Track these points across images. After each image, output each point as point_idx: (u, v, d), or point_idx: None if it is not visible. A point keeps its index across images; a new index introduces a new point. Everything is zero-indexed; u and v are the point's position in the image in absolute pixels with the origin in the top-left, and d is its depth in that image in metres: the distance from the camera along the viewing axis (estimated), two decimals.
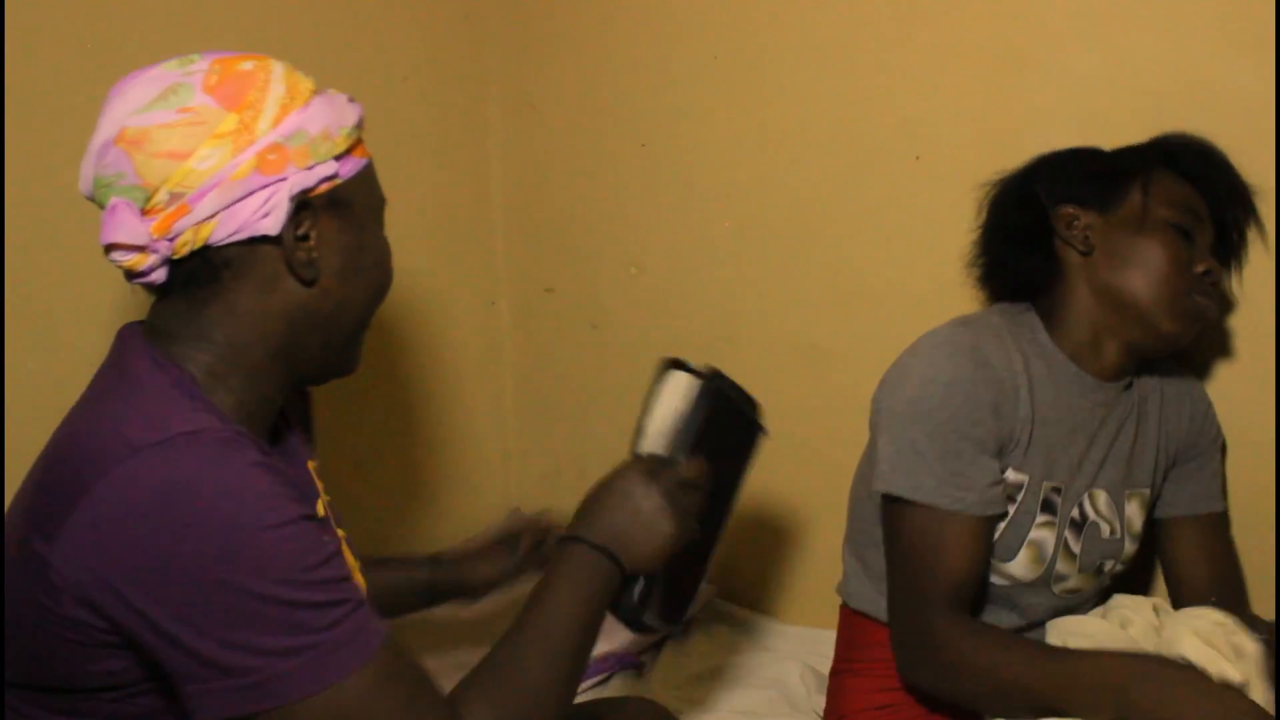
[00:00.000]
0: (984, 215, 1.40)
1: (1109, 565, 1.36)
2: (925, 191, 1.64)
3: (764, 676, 1.66)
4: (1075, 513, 1.32)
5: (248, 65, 0.94)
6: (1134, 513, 1.36)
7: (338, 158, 0.96)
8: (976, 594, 1.28)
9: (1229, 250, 1.37)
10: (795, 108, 1.75)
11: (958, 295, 1.50)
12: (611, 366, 2.11)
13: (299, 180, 0.93)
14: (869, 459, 1.42)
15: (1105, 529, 1.34)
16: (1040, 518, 1.30)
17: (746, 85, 1.81)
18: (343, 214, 0.98)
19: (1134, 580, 1.55)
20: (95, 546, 0.82)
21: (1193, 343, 1.34)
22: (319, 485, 1.10)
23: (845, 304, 1.76)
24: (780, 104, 1.77)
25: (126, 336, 0.99)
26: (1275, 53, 1.34)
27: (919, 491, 1.23)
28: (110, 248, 0.94)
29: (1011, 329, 1.31)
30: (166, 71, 0.93)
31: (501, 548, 1.45)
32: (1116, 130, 1.40)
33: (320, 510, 1.04)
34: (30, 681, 0.89)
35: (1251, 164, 1.36)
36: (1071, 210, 1.30)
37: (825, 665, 1.53)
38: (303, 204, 0.94)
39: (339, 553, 0.89)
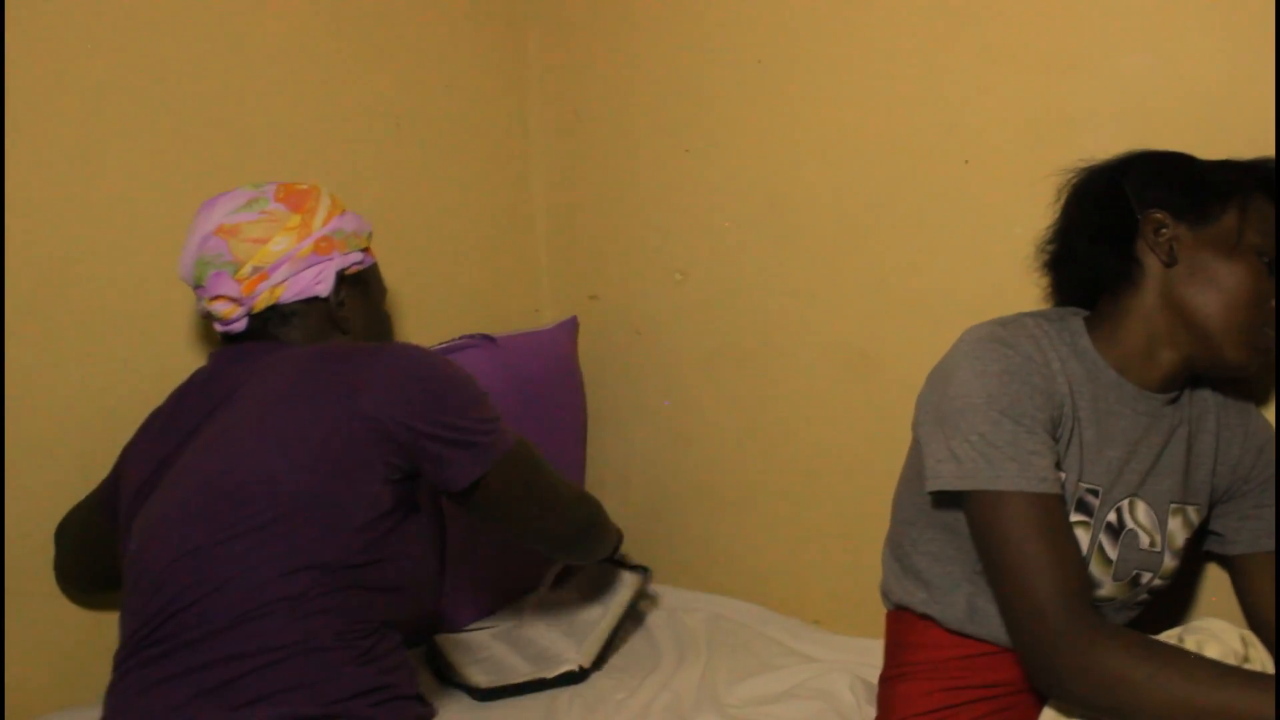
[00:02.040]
0: (1064, 201, 1.37)
1: (1146, 578, 1.33)
2: (974, 195, 1.62)
3: (812, 687, 1.64)
4: (1112, 518, 1.30)
5: (303, 186, 1.44)
6: (1177, 528, 1.34)
7: (362, 250, 1.48)
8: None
9: None
10: (840, 112, 1.74)
11: (1008, 300, 1.48)
12: (656, 373, 2.10)
13: (341, 261, 1.43)
14: (913, 461, 1.40)
15: (1144, 539, 1.31)
16: (1075, 516, 1.27)
17: (790, 89, 1.79)
18: (364, 290, 1.50)
19: (1175, 599, 1.53)
20: (397, 388, 1.26)
21: (1262, 375, 1.31)
22: None
23: (892, 310, 1.74)
24: (825, 108, 1.76)
25: (245, 350, 1.42)
26: None
27: (1002, 480, 1.19)
28: (215, 299, 1.38)
29: (1047, 333, 1.29)
30: (245, 191, 1.40)
31: None
32: (1169, 132, 1.38)
33: None
34: (317, 551, 1.22)
35: None
36: (1161, 217, 1.26)
37: (875, 675, 1.52)
38: (342, 278, 1.44)
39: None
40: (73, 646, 1.60)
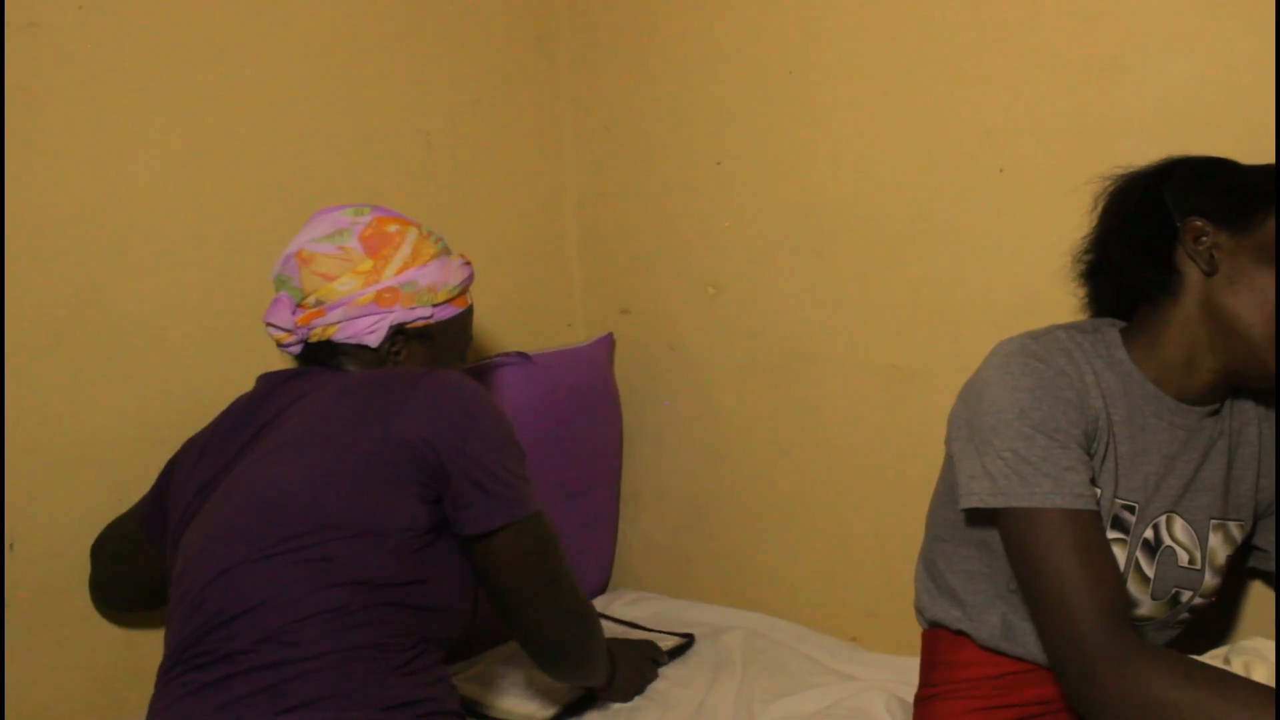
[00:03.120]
0: (1101, 209, 1.34)
1: (1186, 596, 1.29)
2: (1010, 205, 1.59)
3: (849, 706, 1.61)
4: (1149, 534, 1.27)
5: (393, 228, 1.43)
6: (1218, 544, 1.30)
7: (436, 305, 1.44)
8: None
9: None
10: (872, 122, 1.72)
11: (1044, 312, 1.45)
12: (689, 388, 2.09)
13: (401, 315, 1.41)
14: (947, 477, 1.38)
15: (1183, 556, 1.28)
16: (1111, 533, 1.24)
17: (821, 100, 1.78)
18: (426, 344, 1.46)
19: (1221, 617, 1.50)
20: (430, 412, 1.26)
21: None
22: None
23: (927, 323, 1.72)
24: (857, 118, 1.74)
25: (292, 373, 1.44)
26: None
27: (1036, 496, 1.16)
28: (269, 324, 1.41)
29: (1080, 345, 1.26)
30: (343, 216, 1.42)
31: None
32: (1209, 137, 1.35)
33: None
34: (359, 567, 1.23)
35: None
36: (1201, 225, 1.23)
37: (912, 694, 1.49)
38: (399, 330, 1.42)
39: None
40: (107, 666, 1.61)
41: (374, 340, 1.39)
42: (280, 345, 1.43)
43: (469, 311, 1.51)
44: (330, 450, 1.26)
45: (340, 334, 1.38)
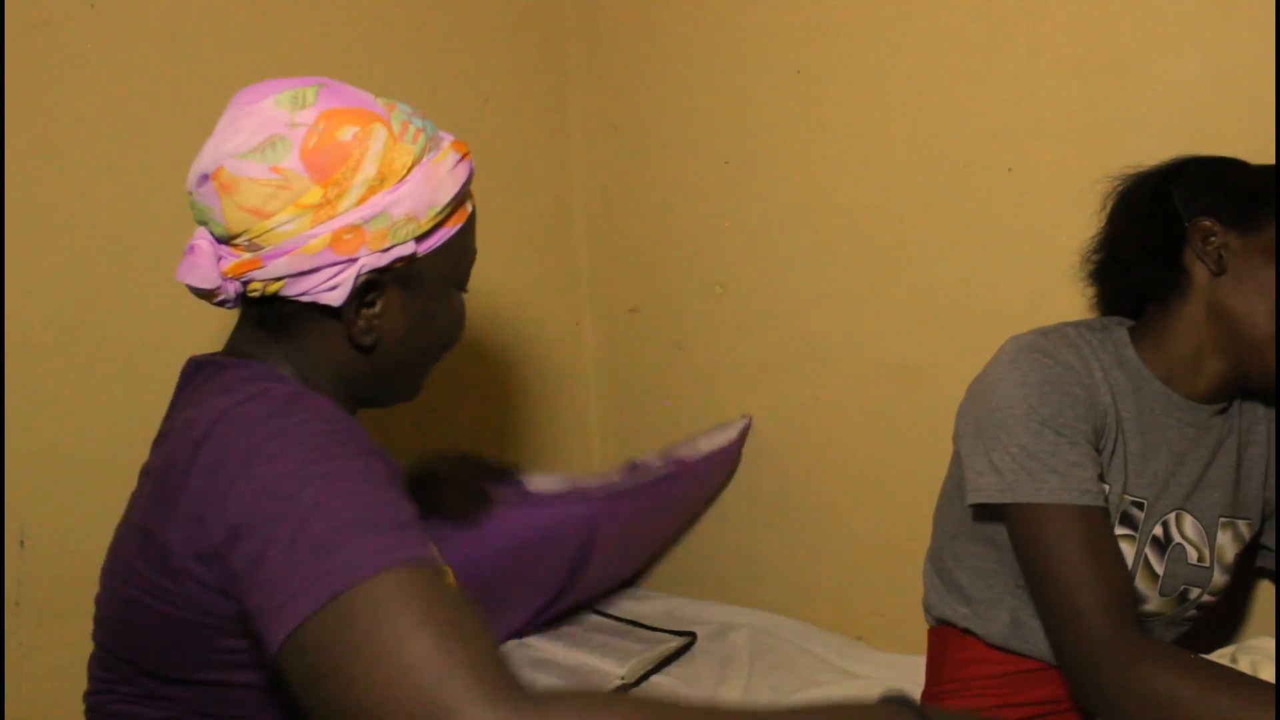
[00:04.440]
0: (1110, 209, 1.34)
1: (1195, 593, 1.30)
2: (1019, 204, 1.59)
3: None
4: (1159, 531, 1.27)
5: (348, 134, 0.95)
6: (1227, 542, 1.30)
7: (420, 237, 0.99)
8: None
9: None
10: (881, 121, 1.73)
11: (1053, 310, 1.45)
12: (697, 387, 2.10)
13: (370, 261, 0.96)
14: (955, 474, 1.39)
15: (1192, 554, 1.28)
16: (1119, 529, 1.25)
17: (830, 98, 1.78)
18: (414, 287, 1.02)
19: (1229, 615, 1.50)
20: (203, 489, 0.84)
21: None
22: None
23: (935, 322, 1.72)
24: (866, 118, 1.74)
25: (203, 361, 1.04)
26: None
27: (1044, 492, 1.17)
28: (193, 267, 0.99)
29: (1089, 342, 1.26)
30: (276, 111, 0.95)
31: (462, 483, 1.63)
32: (1218, 137, 1.35)
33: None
34: (143, 665, 0.93)
35: None
36: (1210, 225, 1.23)
37: (918, 693, 1.49)
38: (371, 282, 0.98)
39: (405, 498, 0.86)
40: None
41: (336, 299, 0.96)
42: (215, 303, 1.04)
43: (470, 224, 1.07)
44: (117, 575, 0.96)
45: (289, 290, 0.96)
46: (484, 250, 1.85)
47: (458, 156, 1.02)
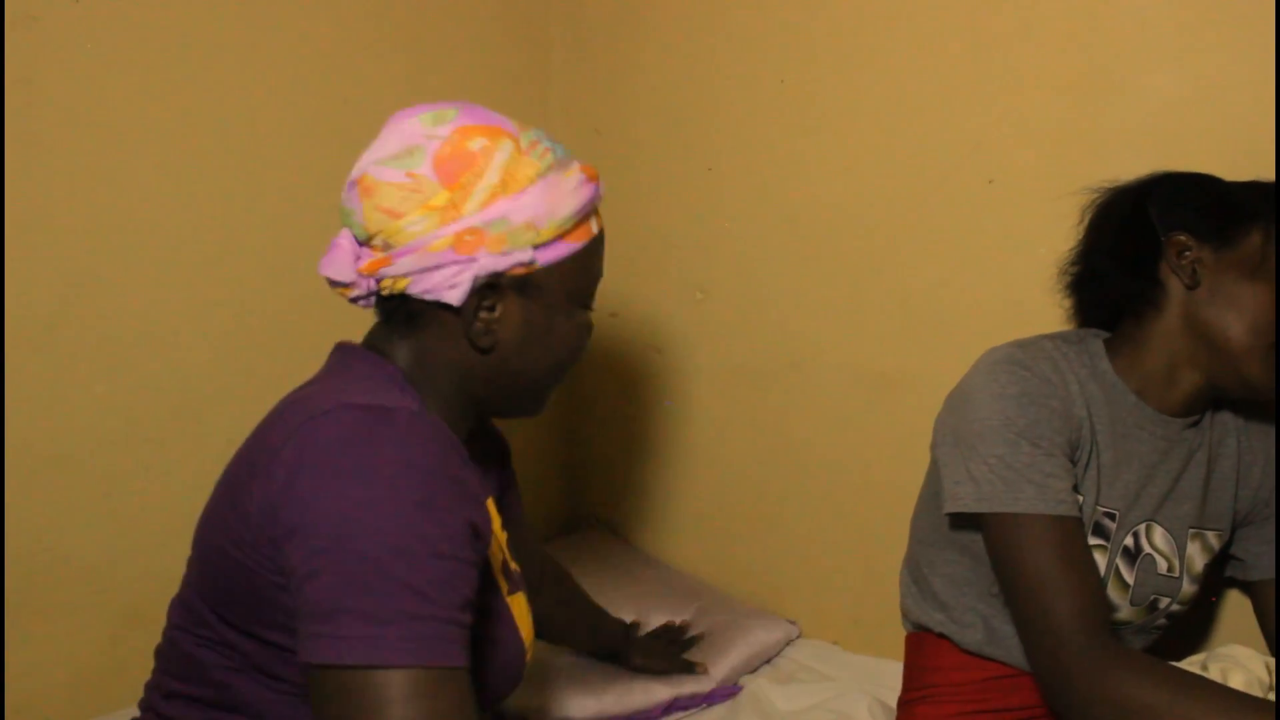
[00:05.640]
0: (1088, 222, 1.36)
1: (1164, 603, 1.32)
2: (998, 216, 1.61)
3: (832, 709, 1.63)
4: (1129, 542, 1.29)
5: (477, 144, 1.03)
6: (1195, 553, 1.32)
7: (539, 245, 1.05)
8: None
9: None
10: (863, 131, 1.74)
11: (1031, 321, 1.47)
12: (676, 391, 2.10)
13: (489, 263, 1.03)
14: (931, 483, 1.40)
15: (1162, 564, 1.30)
16: (1092, 540, 1.27)
17: (813, 108, 1.79)
18: (532, 296, 1.07)
19: (1199, 624, 1.52)
20: (285, 485, 0.90)
21: None
22: (496, 521, 1.14)
23: (914, 331, 1.73)
24: (848, 127, 1.76)
25: (346, 347, 1.12)
26: None
27: (1020, 502, 1.19)
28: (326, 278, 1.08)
29: (1065, 355, 1.28)
30: (418, 126, 1.04)
31: (666, 650, 1.78)
32: (1196, 153, 1.37)
33: (495, 549, 1.11)
34: (220, 612, 0.99)
35: None
36: (1184, 239, 1.25)
37: (894, 697, 1.51)
38: (490, 284, 1.05)
39: (470, 574, 0.92)
40: (93, 660, 1.61)
41: (455, 297, 1.03)
42: (352, 299, 1.11)
43: (595, 246, 1.13)
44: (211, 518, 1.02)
45: (414, 287, 1.04)
46: None
47: (583, 178, 1.08)
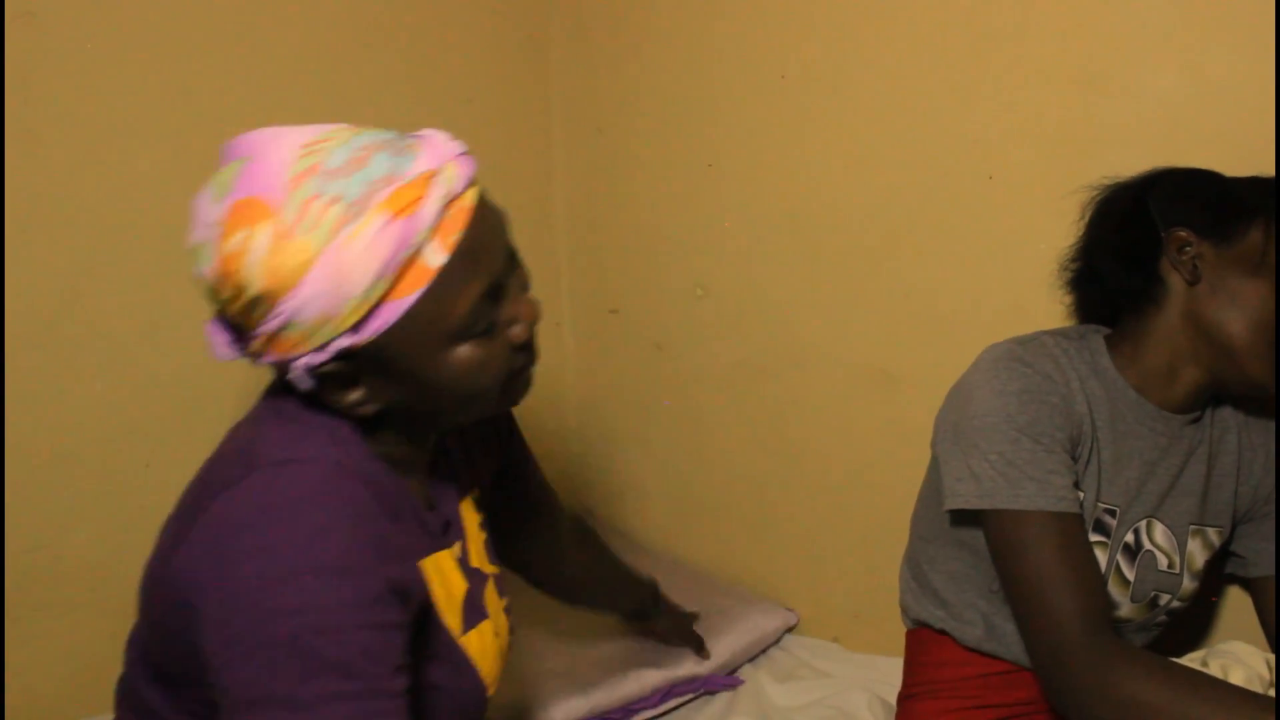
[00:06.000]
0: (1088, 219, 1.36)
1: (1165, 599, 1.32)
2: (999, 212, 1.61)
3: (831, 705, 1.63)
4: (1130, 539, 1.29)
5: (234, 244, 0.83)
6: (1196, 549, 1.32)
7: (355, 327, 0.85)
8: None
9: None
10: (865, 128, 1.74)
11: (1031, 318, 1.47)
12: (676, 388, 2.10)
13: (310, 360, 0.87)
14: (932, 479, 1.40)
15: (1163, 560, 1.30)
16: (1092, 536, 1.26)
17: (813, 105, 1.79)
18: (386, 365, 0.89)
19: (1199, 620, 1.52)
20: (197, 559, 0.85)
21: None
22: (466, 525, 1.11)
23: (916, 328, 1.73)
24: (849, 124, 1.75)
25: (272, 390, 1.00)
26: None
27: (1021, 499, 1.19)
28: None
29: (1066, 351, 1.28)
30: (207, 205, 0.86)
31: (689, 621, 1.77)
32: (1196, 149, 1.37)
33: (441, 593, 1.03)
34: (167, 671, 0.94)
35: None
36: (1185, 235, 1.25)
37: (893, 694, 1.51)
38: (335, 374, 0.89)
39: (397, 638, 0.86)
40: (90, 658, 1.61)
41: (307, 388, 0.90)
42: None
43: (441, 283, 0.86)
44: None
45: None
46: None
47: (386, 217, 0.82)
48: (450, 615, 1.02)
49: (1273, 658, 1.22)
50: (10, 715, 1.53)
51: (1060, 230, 1.41)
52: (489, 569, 1.14)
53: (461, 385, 0.91)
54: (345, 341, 0.85)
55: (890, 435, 1.79)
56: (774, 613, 1.90)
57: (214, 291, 0.87)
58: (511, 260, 0.98)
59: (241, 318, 0.86)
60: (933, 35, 1.63)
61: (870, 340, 1.79)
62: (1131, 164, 1.35)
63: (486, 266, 0.90)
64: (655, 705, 1.67)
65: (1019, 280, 1.57)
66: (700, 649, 1.74)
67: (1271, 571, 1.36)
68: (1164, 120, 1.45)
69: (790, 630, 1.92)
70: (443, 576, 1.03)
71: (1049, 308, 1.49)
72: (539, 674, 1.67)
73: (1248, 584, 1.41)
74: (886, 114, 1.71)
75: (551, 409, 2.29)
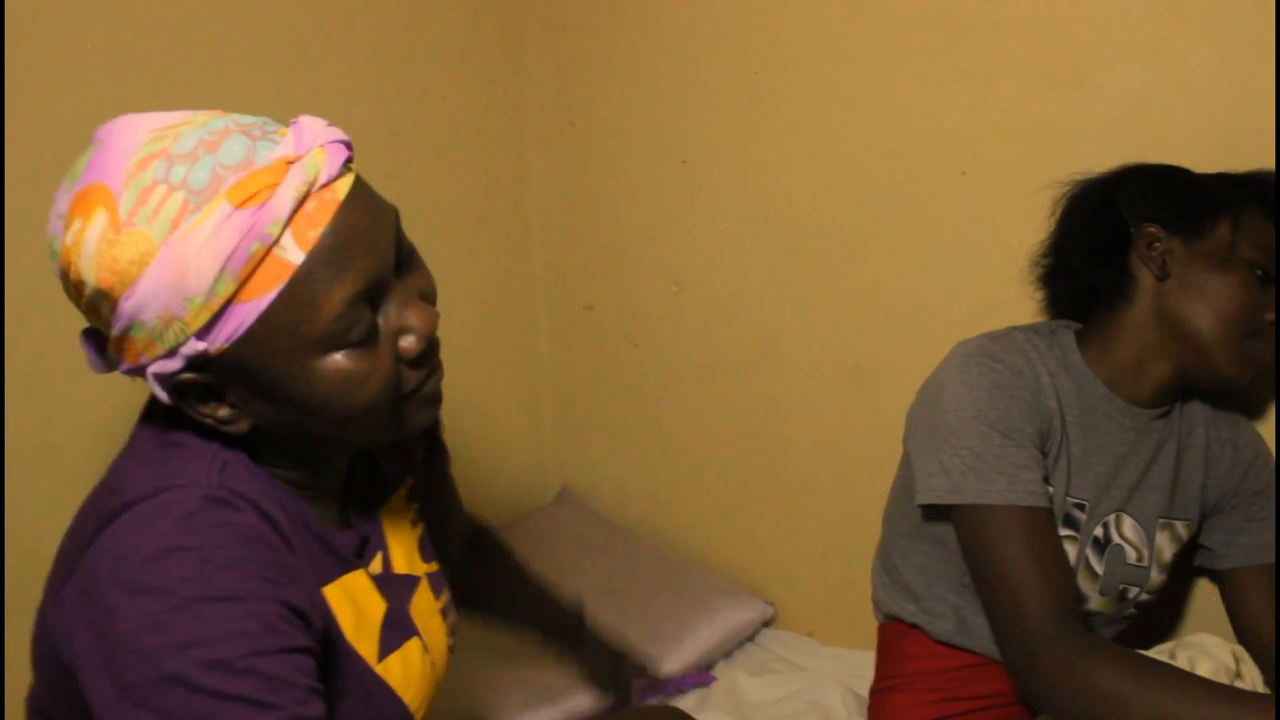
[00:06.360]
0: (1059, 215, 1.37)
1: (1133, 592, 1.33)
2: (971, 207, 1.62)
3: (805, 700, 1.63)
4: (1099, 532, 1.30)
5: (70, 235, 0.75)
6: (1164, 543, 1.34)
7: (201, 332, 0.76)
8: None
9: None
10: (837, 123, 1.74)
11: (1004, 313, 1.48)
12: (652, 384, 2.10)
13: (164, 366, 0.77)
14: (904, 474, 1.41)
15: (1131, 554, 1.31)
16: (1062, 530, 1.28)
17: (787, 101, 1.79)
18: (248, 376, 0.79)
19: (1167, 613, 1.53)
20: (71, 615, 0.78)
21: (1253, 387, 1.31)
22: (390, 531, 1.04)
23: (889, 323, 1.74)
24: (823, 119, 1.76)
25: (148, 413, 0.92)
26: None
27: (991, 494, 1.20)
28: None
29: (1036, 346, 1.29)
30: (60, 192, 0.78)
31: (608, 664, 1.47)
32: (1167, 145, 1.38)
33: (380, 564, 0.98)
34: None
35: None
36: (1154, 231, 1.26)
37: (866, 688, 1.52)
38: (190, 384, 0.80)
39: (305, 661, 0.80)
40: None
41: (169, 401, 0.81)
42: None
43: (299, 282, 0.76)
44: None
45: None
46: (440, 245, 1.85)
47: (228, 209, 0.72)
48: (364, 643, 0.93)
49: (1239, 649, 1.24)
50: (10, 715, 1.52)
51: (1032, 226, 1.42)
52: (422, 568, 1.06)
53: (336, 401, 0.80)
54: (196, 347, 0.76)
55: (865, 430, 1.79)
56: (751, 605, 1.90)
57: (65, 289, 0.79)
58: (403, 263, 0.85)
59: (92, 318, 0.79)
60: (906, 32, 1.64)
61: (844, 335, 1.80)
62: (1103, 160, 1.37)
63: (360, 266, 0.77)
64: None
65: (992, 276, 1.58)
66: (624, 699, 1.48)
67: (1240, 564, 1.37)
68: (1135, 116, 1.46)
69: (767, 624, 1.92)
70: (353, 601, 0.93)
71: (1021, 303, 1.50)
72: (506, 683, 1.64)
73: (1215, 576, 1.43)
74: (860, 110, 1.71)
75: (526, 405, 2.28)
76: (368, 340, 0.80)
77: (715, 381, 2.00)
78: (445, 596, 1.10)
